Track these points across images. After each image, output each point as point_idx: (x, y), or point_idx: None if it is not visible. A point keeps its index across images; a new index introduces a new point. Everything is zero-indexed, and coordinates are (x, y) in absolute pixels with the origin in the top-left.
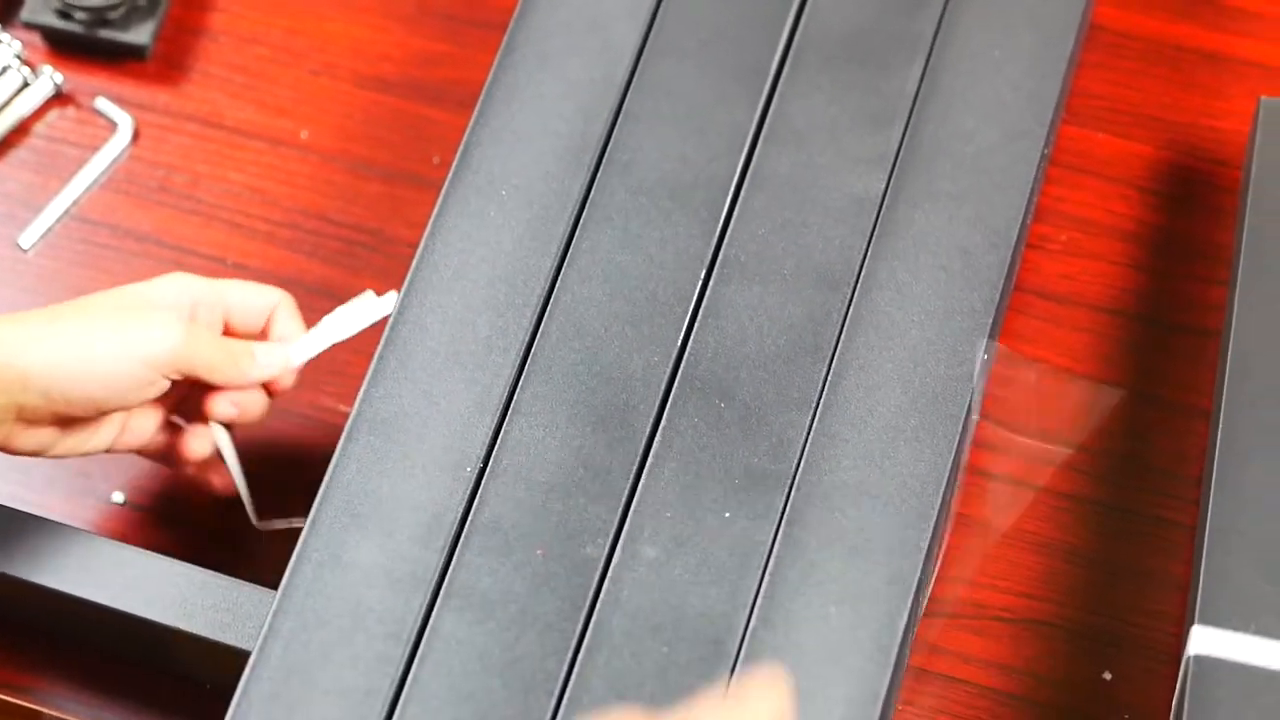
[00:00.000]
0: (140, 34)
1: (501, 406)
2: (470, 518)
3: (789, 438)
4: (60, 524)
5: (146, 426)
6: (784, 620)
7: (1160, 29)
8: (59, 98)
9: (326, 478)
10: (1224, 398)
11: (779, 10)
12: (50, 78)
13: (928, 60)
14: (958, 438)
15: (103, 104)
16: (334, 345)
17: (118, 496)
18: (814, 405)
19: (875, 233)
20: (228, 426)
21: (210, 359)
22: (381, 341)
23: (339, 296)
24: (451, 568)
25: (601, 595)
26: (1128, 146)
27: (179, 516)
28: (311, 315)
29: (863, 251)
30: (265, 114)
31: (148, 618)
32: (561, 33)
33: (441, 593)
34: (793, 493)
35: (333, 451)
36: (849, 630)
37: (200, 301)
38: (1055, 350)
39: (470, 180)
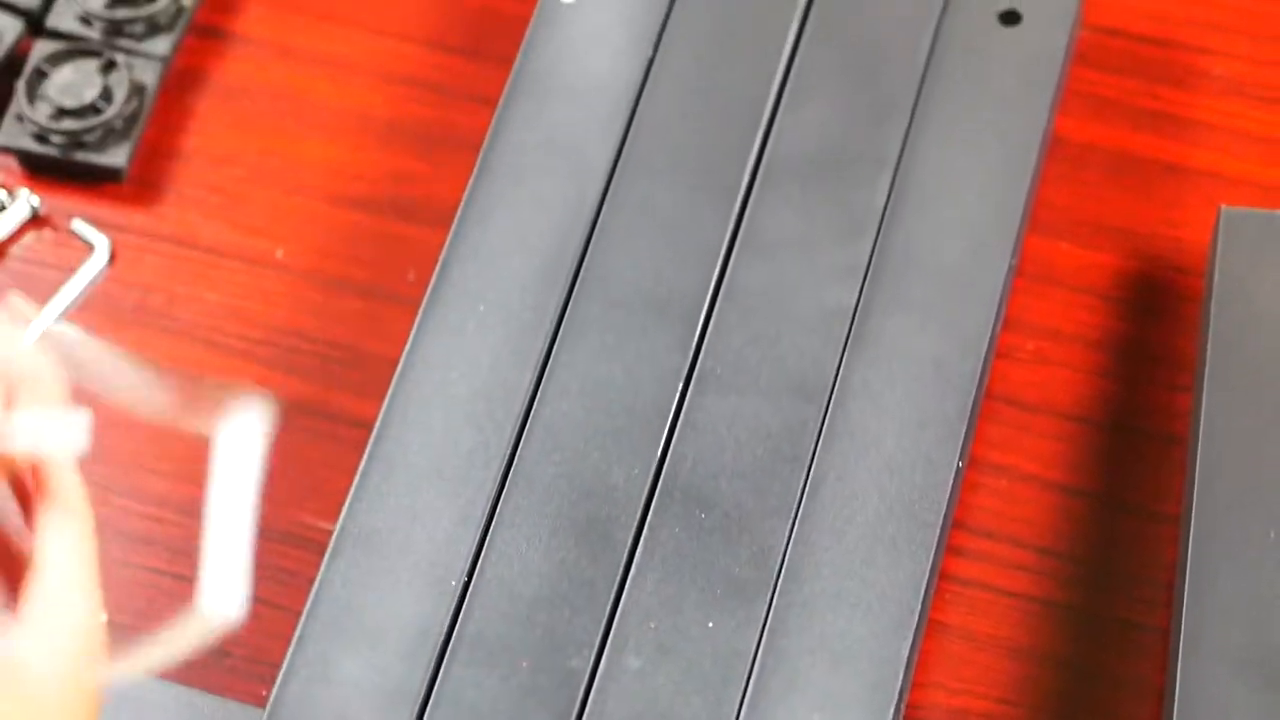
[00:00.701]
0: (116, 156)
1: (484, 520)
2: (456, 631)
3: (769, 546)
4: None
5: None
6: None
7: (1120, 141)
8: (35, 220)
9: (312, 594)
10: (1194, 503)
11: (747, 130)
12: (27, 200)
13: (895, 175)
14: (934, 545)
15: (79, 226)
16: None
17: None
18: (793, 514)
19: (849, 343)
20: None
21: None
22: (364, 457)
23: (317, 412)
24: (438, 682)
25: (587, 707)
26: (1091, 256)
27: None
28: (291, 431)
29: (837, 362)
30: (240, 233)
31: None
32: (534, 152)
33: (429, 707)
34: (774, 601)
35: (313, 568)
36: None
37: None
38: (1024, 457)
39: (448, 296)
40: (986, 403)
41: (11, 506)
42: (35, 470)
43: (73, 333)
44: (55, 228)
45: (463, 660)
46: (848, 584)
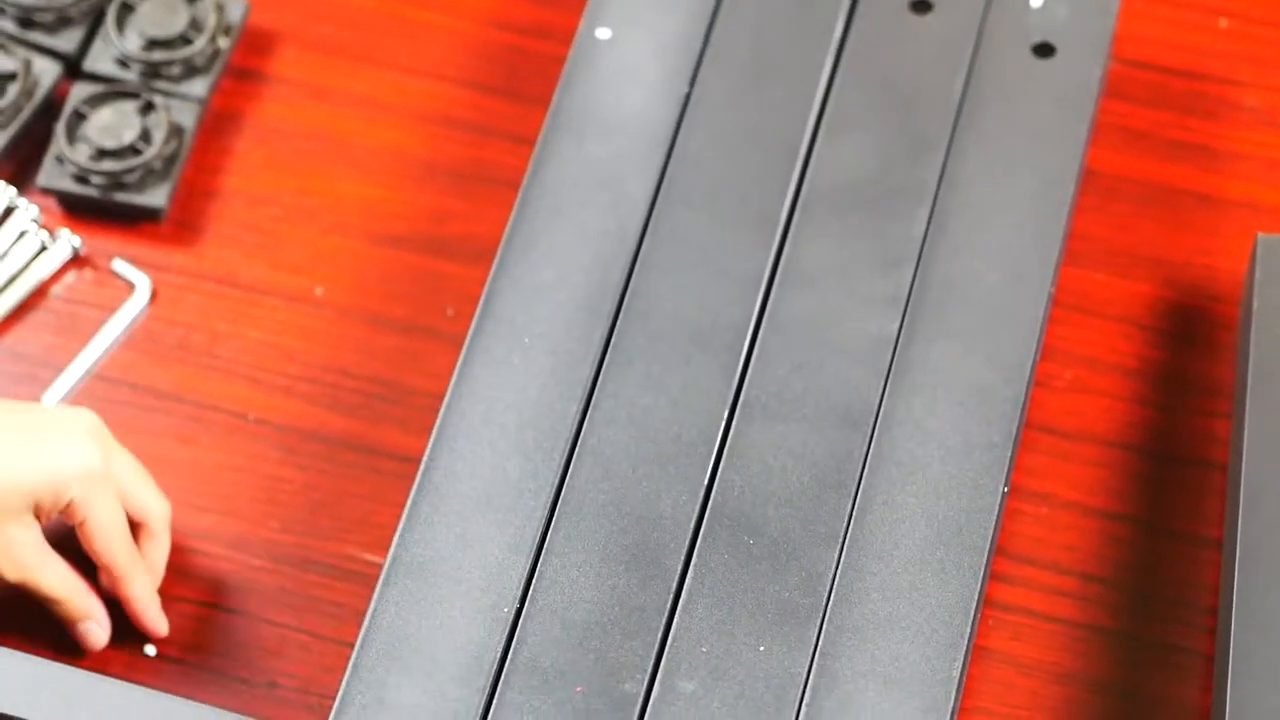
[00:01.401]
0: (156, 196)
1: (535, 548)
2: (510, 657)
3: (818, 571)
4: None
5: None
6: None
7: (1153, 173)
8: (76, 260)
9: (366, 622)
10: (1239, 527)
11: (784, 163)
12: (68, 241)
13: (933, 206)
14: (982, 568)
15: (120, 265)
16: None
17: (150, 649)
18: (841, 539)
19: (892, 371)
20: None
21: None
22: (414, 487)
23: (361, 447)
24: (494, 707)
25: None
26: (1127, 286)
27: (209, 665)
28: (336, 466)
29: (880, 390)
30: (280, 272)
31: None
32: (574, 186)
33: None
34: (825, 625)
35: (361, 600)
36: None
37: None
38: (1064, 484)
39: (493, 329)
40: (1026, 431)
41: None
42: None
43: None
44: (95, 267)
45: (517, 686)
46: (897, 607)
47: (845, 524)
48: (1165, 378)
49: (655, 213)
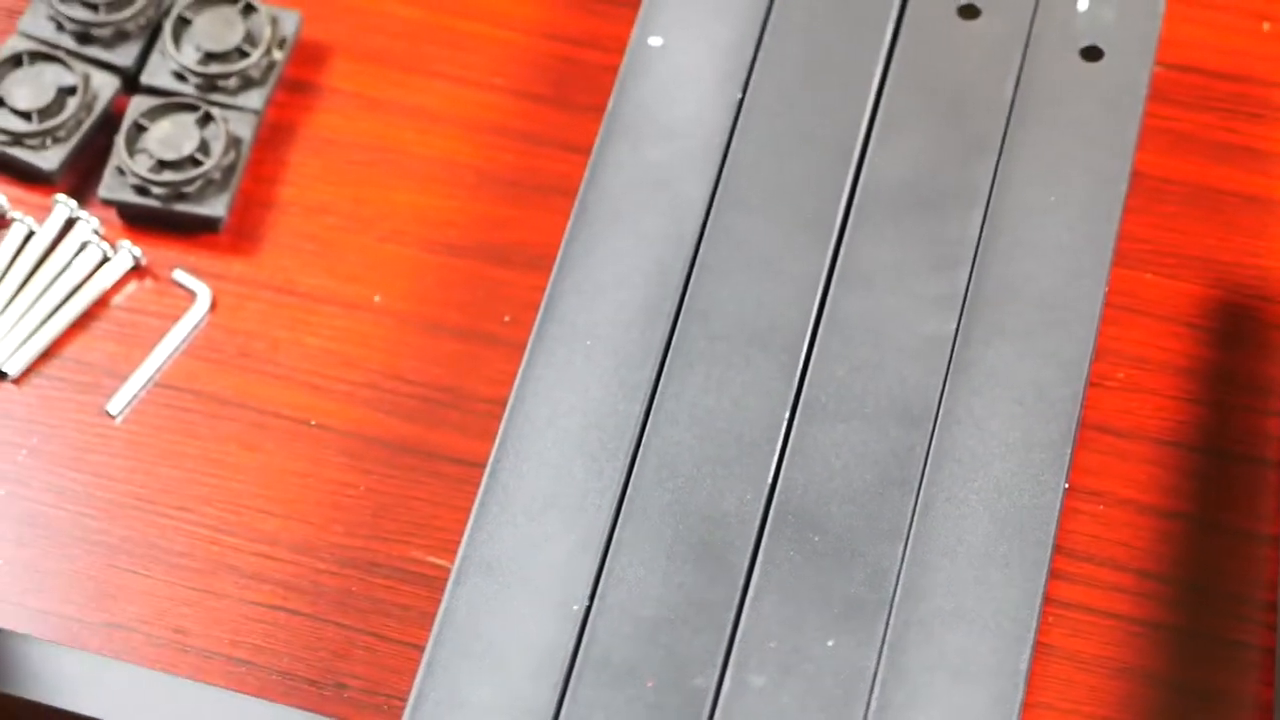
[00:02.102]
0: (216, 207)
1: (603, 546)
2: (580, 653)
3: (883, 567)
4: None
5: None
6: None
7: (1199, 175)
8: (137, 270)
9: (438, 620)
10: None
11: (838, 165)
12: (129, 252)
13: (986, 207)
14: (1047, 563)
15: (180, 275)
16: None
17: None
18: (905, 535)
19: (950, 370)
20: None
21: None
22: (481, 488)
23: (421, 451)
24: (566, 703)
25: None
26: (1176, 286)
27: (277, 668)
28: (398, 470)
29: (939, 388)
30: (338, 280)
31: None
32: (632, 190)
33: None
34: (892, 619)
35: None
36: None
37: None
38: (1119, 482)
39: (555, 332)
40: (1080, 431)
41: None
42: None
43: None
44: (156, 277)
45: (589, 681)
46: (963, 602)
47: (909, 520)
48: (1217, 376)
49: (712, 215)
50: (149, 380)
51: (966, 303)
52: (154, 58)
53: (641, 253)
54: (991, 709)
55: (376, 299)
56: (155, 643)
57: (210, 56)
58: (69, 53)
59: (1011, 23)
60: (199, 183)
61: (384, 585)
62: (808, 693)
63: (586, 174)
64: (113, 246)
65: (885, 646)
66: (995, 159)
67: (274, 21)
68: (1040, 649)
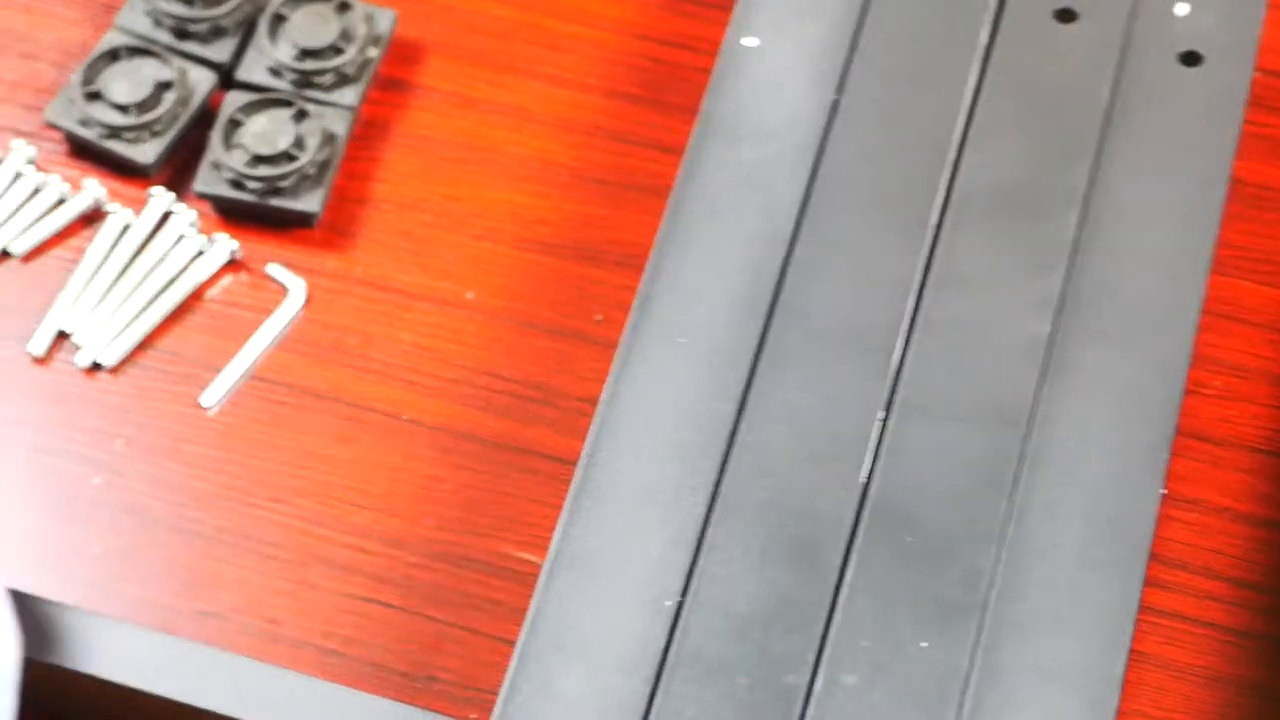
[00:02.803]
0: (310, 202)
1: (695, 543)
2: (673, 649)
3: (978, 569)
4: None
5: None
6: None
7: None
8: (232, 264)
9: (530, 613)
10: None
11: (933, 167)
12: (226, 245)
13: (1083, 211)
14: (1143, 569)
15: (275, 269)
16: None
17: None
18: (999, 537)
19: (1046, 372)
20: None
21: None
22: (574, 484)
23: (514, 448)
24: (658, 698)
25: None
26: (1274, 294)
27: (370, 660)
28: (490, 466)
29: (1035, 391)
30: (431, 276)
31: None
32: (726, 190)
33: None
34: (986, 621)
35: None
36: None
37: None
38: (1215, 490)
39: (649, 330)
40: (1176, 438)
41: None
42: None
43: None
44: (250, 271)
45: (682, 677)
46: (1059, 605)
47: (1004, 522)
48: None
49: (806, 215)
50: (243, 373)
51: (1063, 305)
52: (250, 54)
53: (736, 252)
54: (1087, 714)
55: (469, 296)
56: (248, 631)
57: (306, 53)
58: (166, 48)
59: (1108, 27)
60: (294, 178)
61: (475, 580)
62: (901, 692)
63: (681, 173)
64: (209, 240)
65: (979, 648)
66: (1092, 162)
67: (369, 19)
68: (1134, 656)
